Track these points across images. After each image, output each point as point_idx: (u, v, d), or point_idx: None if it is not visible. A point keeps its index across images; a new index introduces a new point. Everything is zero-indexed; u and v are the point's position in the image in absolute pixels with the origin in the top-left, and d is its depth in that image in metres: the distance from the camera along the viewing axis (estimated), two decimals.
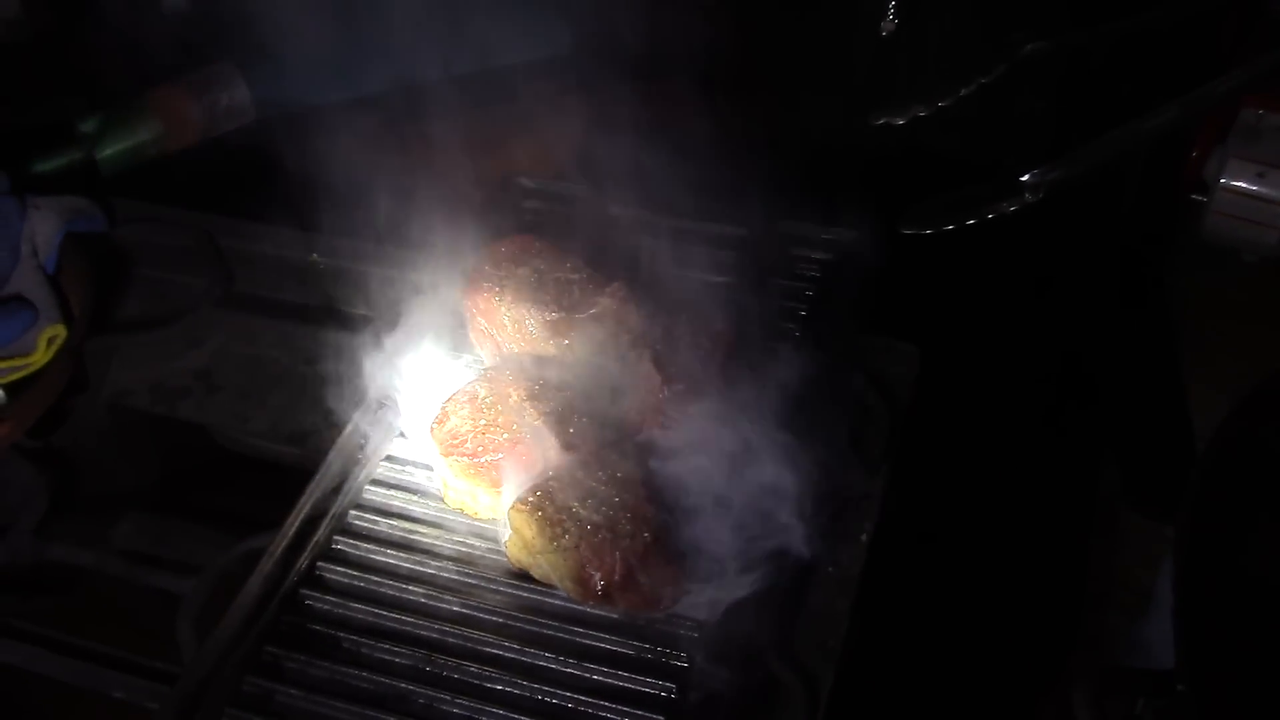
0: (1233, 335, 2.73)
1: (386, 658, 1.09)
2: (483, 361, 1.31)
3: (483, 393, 1.19)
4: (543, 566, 1.10)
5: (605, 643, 1.09)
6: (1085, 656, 1.66)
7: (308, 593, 1.14)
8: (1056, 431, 1.80)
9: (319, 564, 1.16)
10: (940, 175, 1.72)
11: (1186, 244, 2.74)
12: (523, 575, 1.13)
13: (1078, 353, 1.96)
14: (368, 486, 1.23)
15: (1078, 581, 1.76)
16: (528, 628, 1.11)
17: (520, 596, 1.13)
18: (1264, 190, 2.66)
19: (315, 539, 1.18)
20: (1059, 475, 1.79)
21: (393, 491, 1.22)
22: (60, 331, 1.39)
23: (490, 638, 1.10)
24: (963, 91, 1.34)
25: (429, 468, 1.23)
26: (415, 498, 1.22)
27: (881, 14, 1.71)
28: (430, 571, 1.15)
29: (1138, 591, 2.01)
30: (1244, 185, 2.71)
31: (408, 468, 1.24)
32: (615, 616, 1.10)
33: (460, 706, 1.05)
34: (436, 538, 1.18)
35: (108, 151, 1.62)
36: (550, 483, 1.11)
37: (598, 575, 1.06)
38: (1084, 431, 1.92)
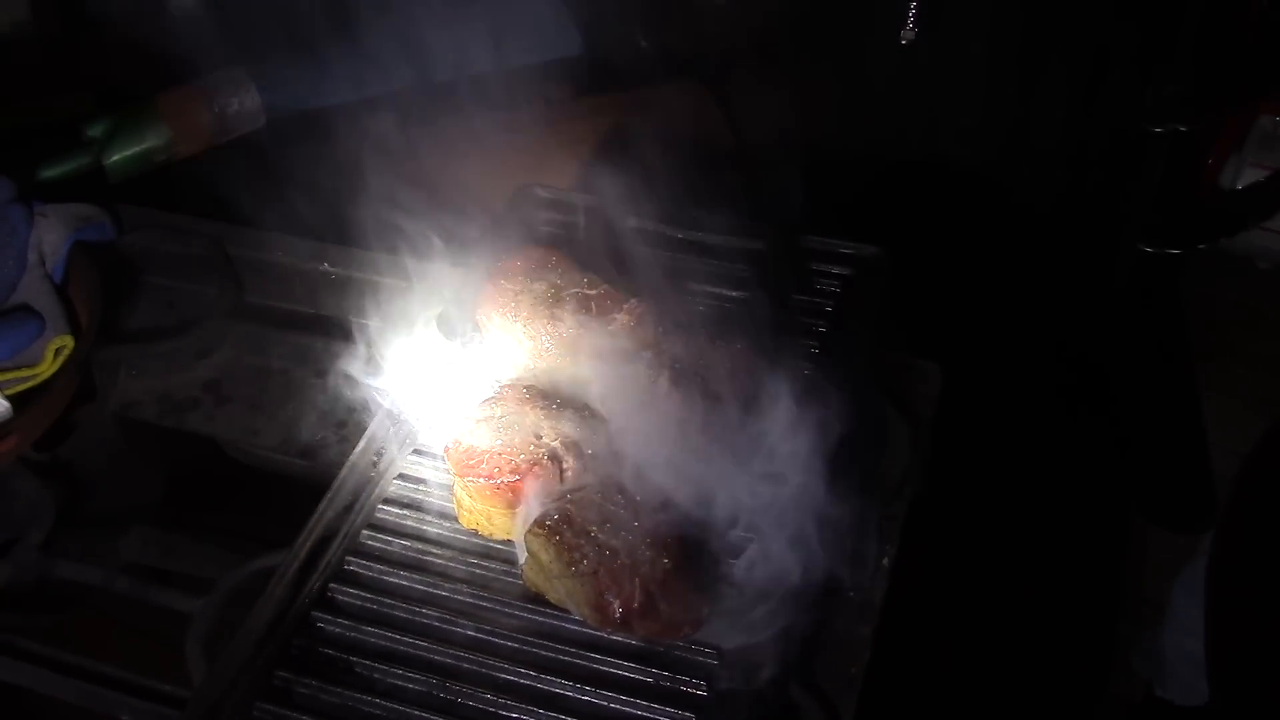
0: (1246, 343, 2.72)
1: (399, 684, 1.07)
2: (498, 378, 1.28)
3: (499, 412, 1.17)
4: (560, 592, 1.08)
5: (623, 670, 1.07)
6: (1114, 691, 1.64)
7: (319, 615, 1.12)
8: (1076, 444, 1.78)
9: (331, 585, 1.14)
10: (957, 187, 1.71)
11: (1201, 251, 2.72)
12: (538, 600, 1.11)
13: (1096, 363, 1.95)
14: (380, 505, 1.21)
15: (1107, 606, 1.74)
16: (543, 654, 1.08)
17: (536, 621, 1.10)
18: None
19: (327, 559, 1.16)
20: (1081, 491, 1.77)
21: (406, 511, 1.20)
22: (68, 342, 1.37)
23: (505, 664, 1.07)
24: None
25: (443, 487, 1.20)
26: (429, 518, 1.19)
27: (901, 23, 1.68)
28: (444, 594, 1.13)
29: (1149, 600, 1.99)
30: None
31: (421, 486, 1.22)
32: (633, 643, 1.08)
33: None
34: (450, 559, 1.16)
35: (116, 157, 1.59)
36: (568, 506, 1.09)
37: (617, 602, 1.04)
38: (1103, 443, 1.91)
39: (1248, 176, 2.70)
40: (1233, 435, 2.32)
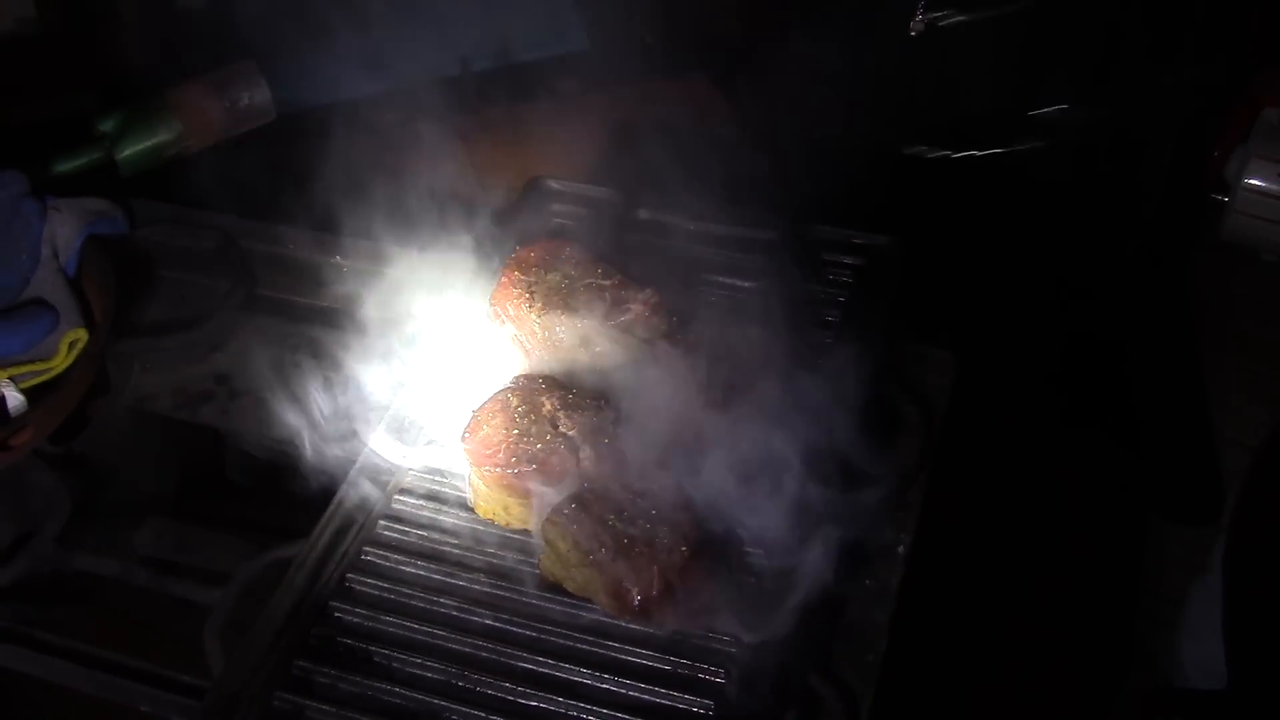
0: (1251, 336, 2.71)
1: (418, 673, 1.07)
2: (513, 369, 1.29)
3: (515, 402, 1.17)
4: (577, 580, 1.08)
5: (641, 658, 1.07)
6: (1131, 676, 1.64)
7: (337, 605, 1.12)
8: (1088, 434, 1.78)
9: (349, 575, 1.14)
10: (968, 177, 1.71)
11: (1207, 244, 2.72)
12: (556, 589, 1.11)
13: (1106, 352, 1.95)
14: (397, 496, 1.21)
15: (1124, 594, 1.74)
16: (562, 642, 1.09)
17: (554, 610, 1.11)
18: None
19: (344, 549, 1.16)
20: (1095, 480, 1.77)
21: (422, 502, 1.20)
22: (81, 335, 1.37)
23: (523, 653, 1.08)
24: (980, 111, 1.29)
25: (459, 477, 1.21)
26: (445, 508, 1.19)
27: (909, 14, 1.69)
28: (461, 584, 1.13)
29: (1165, 596, 1.99)
30: (1265, 185, 2.69)
31: (437, 477, 1.22)
32: (651, 631, 1.08)
33: None
34: (467, 549, 1.16)
35: (127, 151, 1.59)
36: (585, 495, 1.10)
37: (635, 590, 1.04)
38: (1114, 434, 1.91)
39: (1254, 169, 2.69)
40: (1238, 428, 2.32)
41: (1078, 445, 1.74)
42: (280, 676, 1.07)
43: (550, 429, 1.15)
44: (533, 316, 1.25)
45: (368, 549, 1.17)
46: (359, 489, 1.20)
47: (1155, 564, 2.09)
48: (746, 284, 1.37)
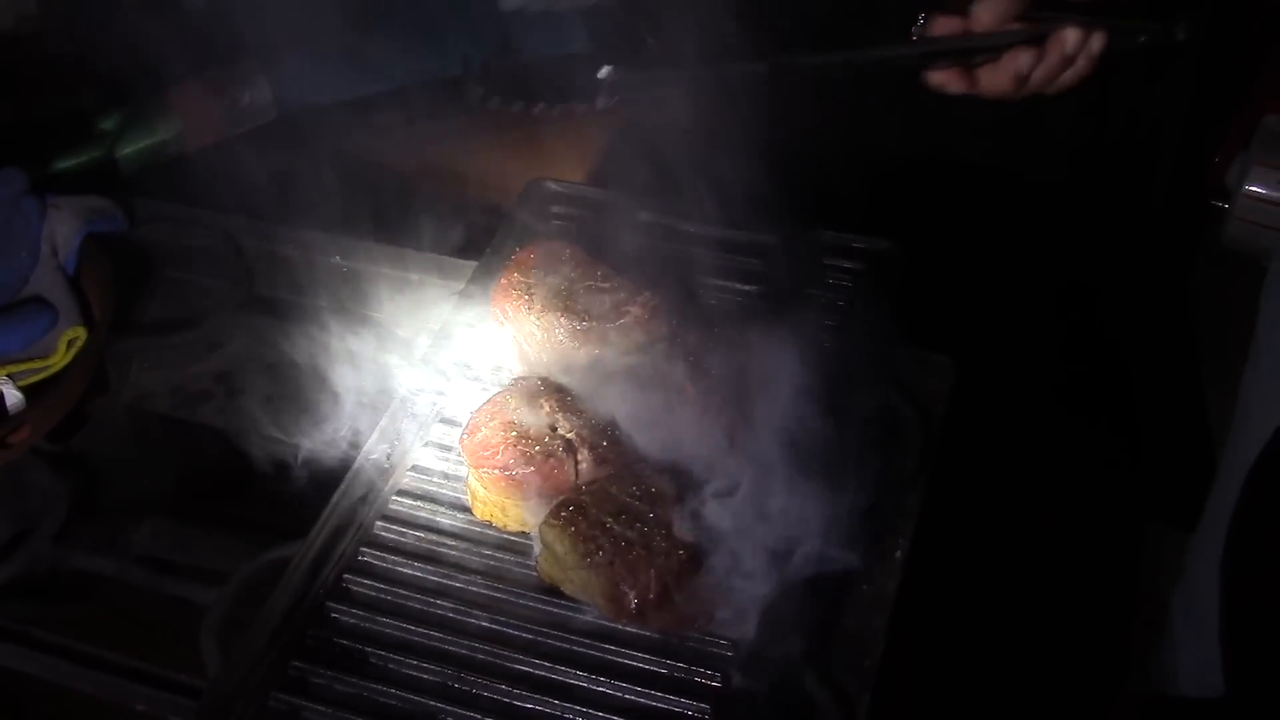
0: (1251, 343, 2.70)
1: (414, 674, 1.07)
2: (512, 371, 1.29)
3: (513, 404, 1.17)
4: (574, 583, 1.08)
5: (637, 661, 1.07)
6: (1129, 683, 1.64)
7: (334, 606, 1.12)
8: (1089, 439, 1.78)
9: (345, 576, 1.14)
10: (969, 181, 1.71)
11: (1207, 251, 2.71)
12: (553, 591, 1.11)
13: (1107, 358, 1.95)
14: (394, 497, 1.21)
15: (1123, 601, 1.74)
16: (558, 645, 1.08)
17: (550, 612, 1.11)
18: None
19: (341, 550, 1.16)
20: (1094, 486, 1.77)
21: (420, 503, 1.20)
22: (81, 333, 1.37)
23: (519, 655, 1.08)
24: None
25: (457, 478, 1.21)
26: (443, 509, 1.19)
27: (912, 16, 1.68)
28: (459, 586, 1.13)
29: (1156, 602, 1.99)
30: (1266, 192, 2.69)
31: (435, 478, 1.22)
32: (648, 634, 1.08)
33: None
34: (465, 551, 1.16)
35: (127, 149, 1.60)
36: (583, 497, 1.09)
37: (632, 593, 1.04)
38: (1115, 440, 1.91)
39: (1255, 176, 2.69)
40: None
41: (1077, 451, 1.74)
42: (276, 677, 1.07)
43: (548, 431, 1.15)
44: (532, 318, 1.25)
45: (365, 550, 1.16)
46: (356, 490, 1.20)
47: (1153, 571, 2.10)
48: (746, 287, 1.37)
